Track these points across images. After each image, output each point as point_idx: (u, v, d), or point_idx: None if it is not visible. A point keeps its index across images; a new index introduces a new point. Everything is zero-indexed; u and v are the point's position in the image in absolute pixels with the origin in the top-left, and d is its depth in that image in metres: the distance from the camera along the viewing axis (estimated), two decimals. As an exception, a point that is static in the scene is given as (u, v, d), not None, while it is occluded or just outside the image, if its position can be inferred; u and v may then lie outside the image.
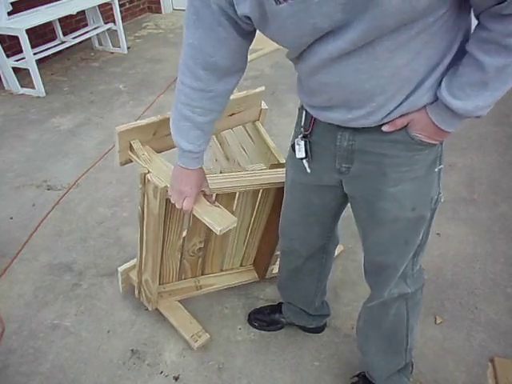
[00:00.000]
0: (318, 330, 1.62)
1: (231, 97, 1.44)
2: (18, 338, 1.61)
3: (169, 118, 1.27)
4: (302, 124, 1.04)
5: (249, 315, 1.68)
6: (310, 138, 1.03)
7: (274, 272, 1.78)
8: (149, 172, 1.22)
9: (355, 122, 0.90)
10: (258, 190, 1.45)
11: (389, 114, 0.86)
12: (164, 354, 1.56)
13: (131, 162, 1.31)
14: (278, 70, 3.85)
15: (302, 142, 1.03)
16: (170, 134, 1.32)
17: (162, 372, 1.50)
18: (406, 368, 1.33)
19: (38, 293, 1.79)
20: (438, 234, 2.07)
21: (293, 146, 1.07)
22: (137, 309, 1.71)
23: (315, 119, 0.99)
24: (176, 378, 1.49)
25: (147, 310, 1.68)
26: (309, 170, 1.09)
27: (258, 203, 1.50)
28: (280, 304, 1.63)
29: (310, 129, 1.01)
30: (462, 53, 0.80)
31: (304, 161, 1.07)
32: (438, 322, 1.68)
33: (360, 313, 1.36)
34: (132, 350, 1.57)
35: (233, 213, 1.48)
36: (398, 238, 1.06)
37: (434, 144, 0.91)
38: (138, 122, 1.27)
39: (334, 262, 1.90)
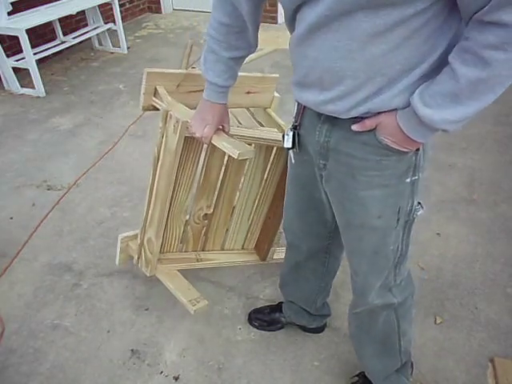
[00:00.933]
0: (319, 330, 1.62)
1: (248, 74, 1.49)
2: (17, 338, 1.61)
3: (194, 74, 1.36)
4: (294, 115, 1.06)
5: (249, 315, 1.68)
6: (298, 130, 1.05)
7: (275, 257, 1.77)
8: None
9: (325, 107, 0.90)
10: (268, 156, 1.48)
11: (357, 105, 0.85)
12: (164, 354, 1.56)
13: (154, 109, 1.36)
14: (278, 70, 3.85)
15: (291, 133, 1.06)
16: (191, 91, 1.40)
17: (161, 372, 1.51)
18: (403, 368, 1.32)
19: (38, 293, 1.79)
20: (437, 233, 2.07)
21: (283, 136, 1.10)
22: (137, 309, 1.71)
23: (303, 111, 1.01)
24: (176, 378, 1.49)
25: (147, 309, 1.68)
26: (293, 161, 1.13)
27: (267, 172, 1.52)
28: (280, 304, 1.63)
29: (298, 120, 1.04)
30: (445, 62, 0.78)
31: (290, 151, 1.11)
32: (438, 322, 1.68)
33: (348, 318, 1.35)
34: (132, 350, 1.57)
35: (240, 190, 1.52)
36: (366, 245, 1.06)
37: (403, 152, 0.89)
38: (165, 69, 1.33)
39: (334, 262, 1.91)
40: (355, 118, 0.89)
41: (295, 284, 1.47)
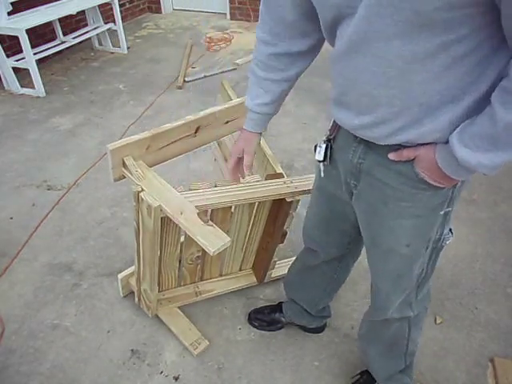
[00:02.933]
0: (318, 330, 1.62)
1: (226, 105, 1.45)
2: (17, 337, 1.61)
3: (161, 133, 1.30)
4: (329, 127, 1.03)
5: (249, 315, 1.68)
6: (332, 143, 1.02)
7: (272, 276, 1.78)
8: (142, 190, 1.21)
9: (361, 131, 0.87)
10: (255, 202, 1.45)
11: (394, 133, 0.81)
12: (164, 354, 1.56)
13: (125, 177, 1.31)
14: (278, 69, 3.85)
15: (324, 146, 1.02)
16: (163, 147, 1.34)
17: (162, 372, 1.51)
18: (408, 368, 1.33)
19: (38, 293, 1.79)
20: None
21: (315, 147, 1.06)
22: (137, 309, 1.71)
23: (339, 126, 0.97)
24: (176, 378, 1.49)
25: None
26: (322, 174, 1.09)
27: (254, 212, 1.50)
28: (280, 304, 1.63)
29: (333, 134, 1.00)
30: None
31: (321, 164, 1.07)
32: (438, 322, 1.68)
33: (361, 322, 1.36)
34: (132, 350, 1.57)
35: (228, 229, 1.49)
36: (391, 268, 1.05)
37: (439, 187, 0.85)
38: (131, 137, 1.26)
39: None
40: (393, 145, 0.84)
41: (301, 285, 1.47)
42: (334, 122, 1.00)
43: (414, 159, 0.83)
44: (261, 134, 1.16)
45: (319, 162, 1.06)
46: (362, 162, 0.93)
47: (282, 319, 1.62)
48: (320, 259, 1.33)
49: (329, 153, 1.02)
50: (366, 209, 1.00)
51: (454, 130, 0.76)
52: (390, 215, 0.94)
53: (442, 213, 0.92)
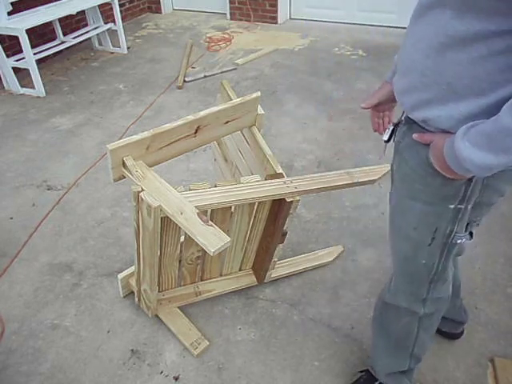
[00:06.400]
0: (453, 335, 1.58)
1: (226, 105, 1.44)
2: (17, 337, 1.61)
3: (161, 133, 1.29)
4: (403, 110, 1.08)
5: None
6: (398, 127, 1.06)
7: (272, 276, 1.78)
8: (142, 190, 1.21)
9: (399, 96, 0.93)
10: (255, 202, 1.45)
11: (418, 106, 0.86)
12: (164, 354, 1.56)
13: (125, 177, 1.30)
14: (278, 70, 3.85)
15: (391, 128, 1.08)
16: (163, 147, 1.33)
17: (161, 372, 1.50)
18: (410, 372, 1.32)
19: (38, 293, 1.79)
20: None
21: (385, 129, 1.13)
22: (137, 309, 1.71)
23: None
24: (176, 378, 1.49)
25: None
26: (383, 154, 1.18)
27: (254, 212, 1.50)
28: None
29: (401, 118, 1.05)
30: None
31: (385, 144, 1.12)
32: (438, 321, 1.68)
33: (375, 303, 1.34)
34: (132, 350, 1.57)
35: (228, 229, 1.48)
36: (399, 248, 1.09)
37: (450, 179, 0.87)
38: (131, 137, 1.25)
39: (334, 263, 1.91)
40: (423, 128, 0.89)
41: None
42: None
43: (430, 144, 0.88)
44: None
45: (384, 142, 1.11)
46: (400, 141, 1.00)
47: None
48: None
49: (394, 136, 1.08)
50: (393, 187, 1.07)
51: (467, 121, 0.78)
52: (405, 194, 1.00)
53: (452, 207, 0.94)
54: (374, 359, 1.38)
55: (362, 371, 1.46)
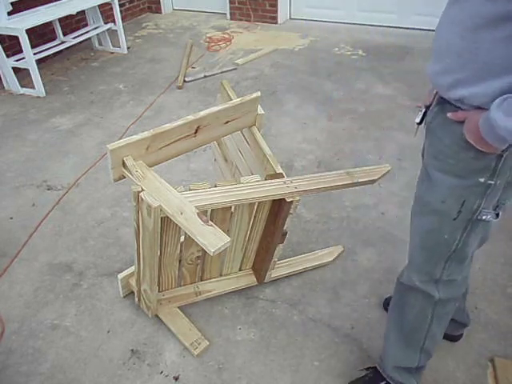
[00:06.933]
0: (452, 338, 1.58)
1: (226, 105, 1.44)
2: (17, 337, 1.61)
3: (161, 132, 1.29)
4: (430, 92, 1.12)
5: (385, 299, 1.69)
6: (428, 110, 1.10)
7: (272, 276, 1.78)
8: (142, 190, 1.21)
9: (435, 78, 0.98)
10: (255, 202, 1.45)
11: (455, 85, 0.90)
12: (164, 354, 1.56)
13: (125, 177, 1.31)
14: (278, 69, 3.85)
15: (423, 110, 1.12)
16: (163, 147, 1.33)
17: (161, 372, 1.50)
18: (418, 370, 1.32)
19: (38, 293, 1.79)
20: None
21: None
22: (137, 309, 1.71)
23: (437, 92, 1.06)
24: (176, 378, 1.49)
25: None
26: (414, 136, 1.23)
27: (254, 212, 1.50)
28: None
29: (432, 101, 1.08)
30: None
31: (417, 126, 1.17)
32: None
33: (395, 286, 1.34)
34: (132, 350, 1.57)
35: (228, 229, 1.48)
36: (423, 222, 1.12)
37: (482, 151, 0.91)
38: (131, 137, 1.26)
39: (334, 263, 1.91)
40: (457, 107, 0.94)
41: None
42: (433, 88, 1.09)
43: (464, 121, 0.92)
44: None
45: (417, 124, 1.15)
46: (432, 121, 1.04)
47: None
48: None
49: (425, 119, 1.12)
50: (424, 165, 1.10)
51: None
52: (436, 169, 1.03)
53: (481, 180, 0.97)
54: (384, 351, 1.38)
55: (367, 368, 1.46)
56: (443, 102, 0.99)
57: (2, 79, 3.47)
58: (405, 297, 1.27)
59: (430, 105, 1.09)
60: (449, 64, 0.91)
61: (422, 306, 1.21)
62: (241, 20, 5.17)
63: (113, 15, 4.12)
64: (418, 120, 1.15)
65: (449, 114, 0.95)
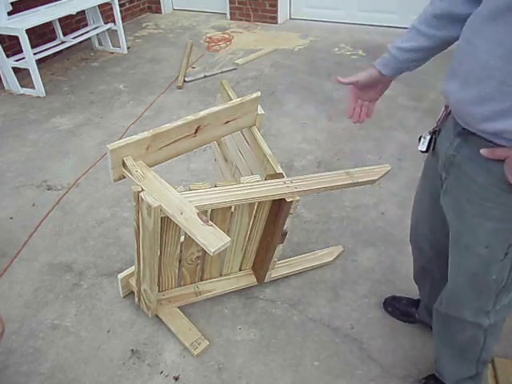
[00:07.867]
0: None
1: (226, 105, 1.44)
2: (17, 337, 1.61)
3: (161, 132, 1.29)
4: (437, 119, 1.03)
5: (386, 299, 1.69)
6: (436, 136, 1.02)
7: (272, 276, 1.78)
8: (142, 190, 1.21)
9: (462, 107, 0.85)
10: (255, 202, 1.45)
11: (493, 117, 0.79)
12: (164, 354, 1.56)
13: (125, 177, 1.31)
14: (278, 69, 3.85)
15: (428, 137, 1.03)
16: (163, 147, 1.33)
17: (162, 372, 1.51)
18: (478, 376, 1.29)
19: (38, 293, 1.79)
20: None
21: (420, 138, 1.07)
22: (137, 309, 1.71)
23: (446, 117, 0.98)
24: (176, 378, 1.49)
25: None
26: (425, 165, 1.13)
27: (254, 212, 1.50)
28: (419, 300, 1.59)
29: (439, 125, 1.01)
30: None
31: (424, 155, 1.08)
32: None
33: (434, 313, 1.29)
34: (132, 350, 1.57)
35: (228, 229, 1.48)
36: (467, 266, 1.03)
37: None
38: (131, 137, 1.26)
39: (334, 263, 1.91)
40: (489, 141, 0.82)
41: (423, 287, 1.47)
42: (443, 112, 1.00)
43: (504, 160, 0.81)
44: (381, 75, 1.13)
45: (422, 152, 1.07)
46: (455, 154, 0.93)
47: (416, 315, 1.59)
48: (427, 257, 1.31)
49: (433, 144, 1.03)
50: (451, 203, 1.00)
51: None
52: (473, 213, 0.93)
53: None
54: (440, 369, 1.34)
55: (427, 376, 1.42)
56: (466, 134, 0.87)
57: (2, 79, 3.47)
58: (451, 327, 1.21)
59: (437, 129, 1.00)
60: (486, 92, 0.78)
61: (473, 333, 1.16)
62: (241, 20, 5.17)
63: (113, 15, 4.12)
64: (423, 148, 1.04)
65: (482, 151, 0.82)
